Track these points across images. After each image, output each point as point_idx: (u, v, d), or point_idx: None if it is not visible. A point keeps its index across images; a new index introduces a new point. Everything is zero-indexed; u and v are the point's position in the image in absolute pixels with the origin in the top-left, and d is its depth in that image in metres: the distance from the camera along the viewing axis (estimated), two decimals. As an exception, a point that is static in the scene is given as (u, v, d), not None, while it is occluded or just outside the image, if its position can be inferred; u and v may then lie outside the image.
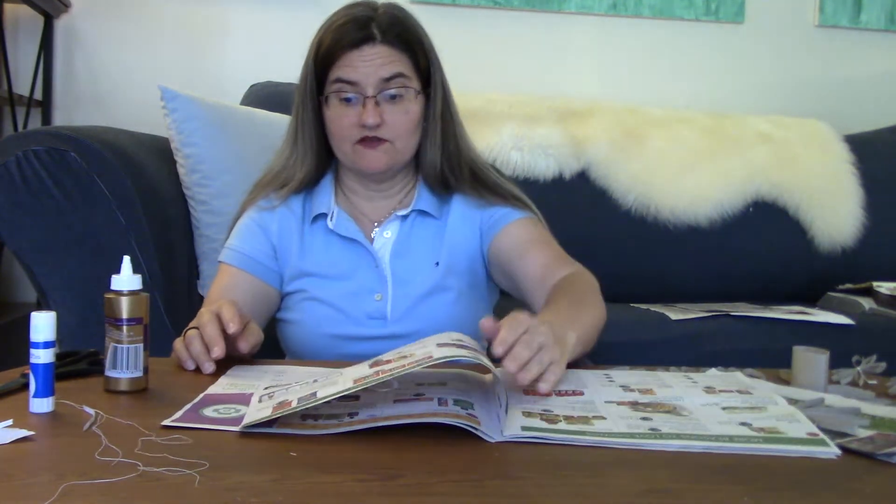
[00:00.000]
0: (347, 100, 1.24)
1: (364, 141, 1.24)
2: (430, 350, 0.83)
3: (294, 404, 0.79)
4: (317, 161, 1.32)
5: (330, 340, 1.27)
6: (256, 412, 0.81)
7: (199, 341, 1.02)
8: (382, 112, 1.23)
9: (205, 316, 1.04)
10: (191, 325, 1.09)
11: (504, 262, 1.30)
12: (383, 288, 1.28)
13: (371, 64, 1.22)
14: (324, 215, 1.32)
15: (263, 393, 0.88)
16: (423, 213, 1.33)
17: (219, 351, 1.00)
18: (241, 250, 1.33)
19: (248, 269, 1.31)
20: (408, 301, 1.28)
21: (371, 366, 0.86)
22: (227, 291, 1.28)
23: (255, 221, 1.34)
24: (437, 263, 1.30)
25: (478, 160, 1.36)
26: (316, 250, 1.32)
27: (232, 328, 1.02)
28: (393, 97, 1.24)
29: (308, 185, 1.34)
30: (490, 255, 1.32)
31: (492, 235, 1.31)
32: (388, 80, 1.23)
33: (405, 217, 1.32)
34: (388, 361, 0.85)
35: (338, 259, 1.30)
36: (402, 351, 0.90)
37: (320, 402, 0.78)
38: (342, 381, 0.83)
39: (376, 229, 1.32)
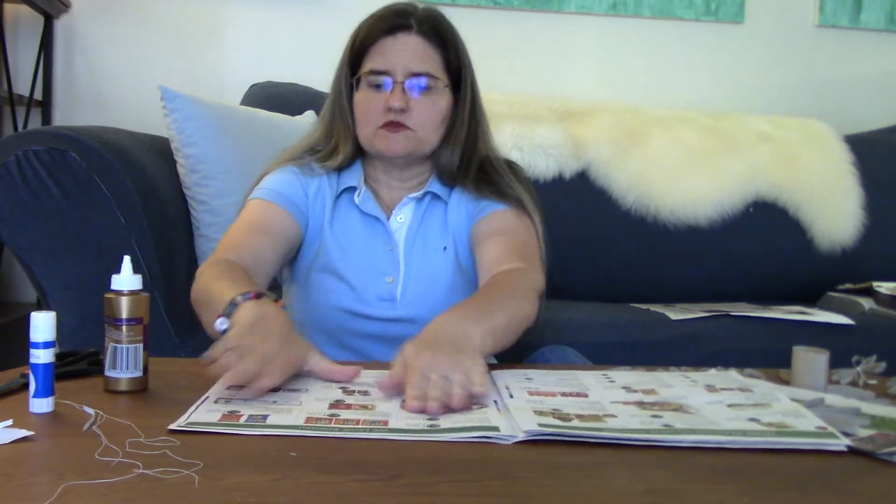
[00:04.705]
0: (378, 86, 1.26)
1: (388, 126, 1.25)
2: (389, 409, 0.85)
3: (243, 419, 0.80)
4: (353, 148, 1.33)
5: (338, 314, 1.28)
6: (205, 413, 0.81)
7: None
8: (410, 100, 1.25)
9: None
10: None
11: (472, 249, 1.31)
12: (395, 271, 1.30)
13: (403, 53, 1.25)
14: (352, 189, 1.33)
15: (222, 395, 0.88)
16: (434, 196, 1.34)
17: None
18: (274, 188, 1.31)
19: (281, 204, 1.29)
20: (418, 286, 1.29)
21: (331, 405, 0.86)
22: (259, 220, 1.26)
23: (293, 174, 1.33)
24: (445, 248, 1.32)
25: (493, 158, 1.36)
26: (339, 223, 1.33)
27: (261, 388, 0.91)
28: (422, 89, 1.26)
29: (342, 168, 1.35)
30: (469, 242, 1.33)
31: (473, 223, 1.32)
32: (418, 74, 1.25)
33: (419, 201, 1.33)
34: (348, 406, 0.86)
35: (357, 236, 1.32)
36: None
37: (267, 430, 0.78)
38: (297, 412, 0.83)
39: (392, 213, 1.33)
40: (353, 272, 1.29)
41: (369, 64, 1.26)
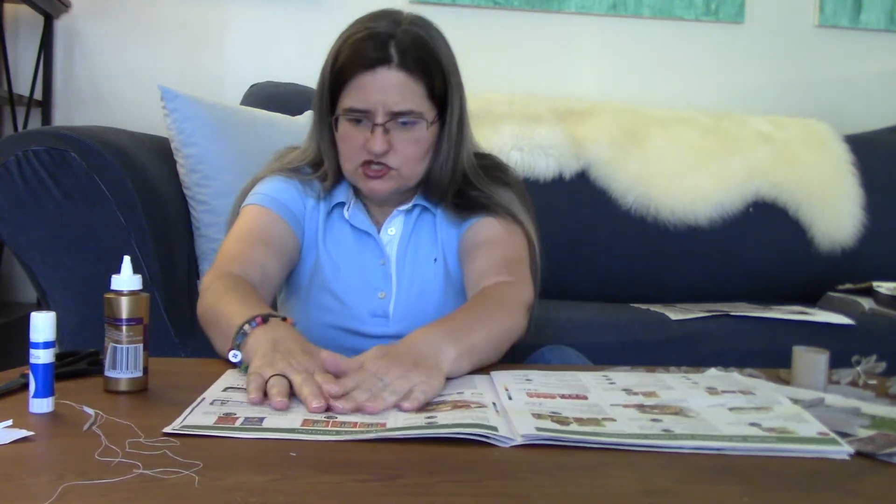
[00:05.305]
0: (357, 121, 1.21)
1: (369, 165, 1.22)
2: (386, 412, 0.85)
3: (239, 422, 0.80)
4: (339, 171, 1.30)
5: (330, 331, 1.27)
6: (200, 416, 0.81)
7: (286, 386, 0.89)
8: (392, 139, 1.20)
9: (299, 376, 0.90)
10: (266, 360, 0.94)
11: (460, 260, 1.30)
12: (387, 286, 1.28)
13: (382, 91, 1.18)
14: (342, 204, 1.31)
15: (217, 397, 0.88)
16: (423, 208, 1.32)
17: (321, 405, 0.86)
18: (271, 195, 1.28)
19: (279, 212, 1.27)
20: (410, 300, 1.28)
21: (328, 408, 0.85)
22: (258, 229, 1.24)
23: (293, 185, 1.30)
24: (435, 259, 1.30)
25: (468, 171, 1.31)
26: (331, 239, 1.31)
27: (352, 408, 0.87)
28: (404, 125, 1.20)
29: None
30: (457, 252, 1.31)
31: (461, 232, 1.30)
32: (399, 113, 1.20)
33: (408, 213, 1.31)
34: (343, 419, 0.84)
35: (349, 251, 1.30)
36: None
37: (263, 434, 0.77)
38: (293, 415, 0.83)
39: (382, 227, 1.32)
40: (345, 288, 1.28)
41: (348, 100, 1.20)
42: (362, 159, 1.22)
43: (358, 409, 0.85)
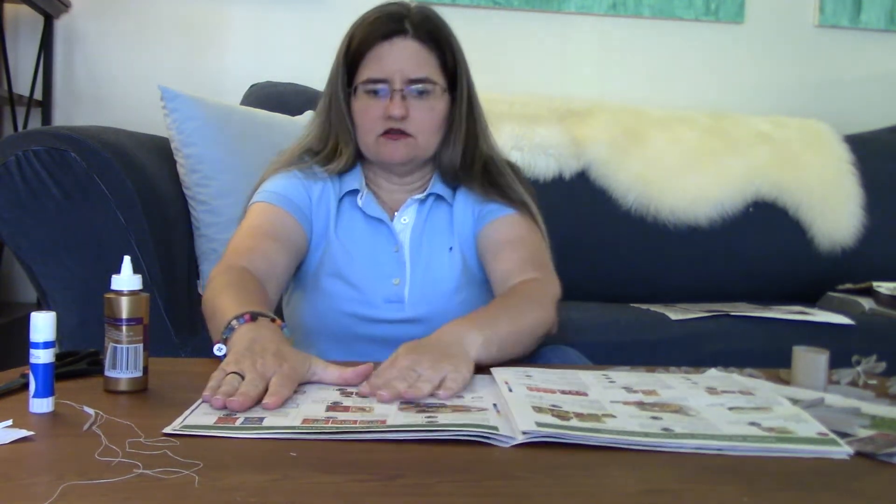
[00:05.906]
0: (375, 92, 1.26)
1: (388, 133, 1.26)
2: (387, 411, 0.84)
3: (239, 422, 0.80)
4: (355, 152, 1.33)
5: (345, 318, 1.28)
6: (200, 416, 0.81)
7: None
8: (409, 106, 1.25)
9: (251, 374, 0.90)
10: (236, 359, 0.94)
11: (482, 256, 1.32)
12: (402, 273, 1.30)
13: (399, 59, 1.25)
14: (355, 192, 1.33)
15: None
16: (438, 197, 1.34)
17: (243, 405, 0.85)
18: (276, 192, 1.30)
19: (285, 207, 1.29)
20: (425, 286, 1.29)
21: (328, 408, 0.85)
22: (265, 224, 1.26)
23: (296, 178, 1.32)
24: (451, 248, 1.32)
25: (496, 158, 1.37)
26: (343, 227, 1.32)
27: (271, 405, 0.86)
28: (420, 93, 1.26)
29: (343, 172, 1.35)
30: (476, 246, 1.34)
31: (480, 226, 1.32)
32: (416, 81, 1.26)
33: (423, 202, 1.33)
34: (346, 409, 0.85)
35: (362, 239, 1.32)
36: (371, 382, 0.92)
37: (263, 433, 0.77)
38: (293, 414, 0.83)
39: (395, 215, 1.33)
40: (358, 276, 1.29)
41: (366, 72, 1.26)
42: (382, 129, 1.26)
43: (398, 397, 0.87)
